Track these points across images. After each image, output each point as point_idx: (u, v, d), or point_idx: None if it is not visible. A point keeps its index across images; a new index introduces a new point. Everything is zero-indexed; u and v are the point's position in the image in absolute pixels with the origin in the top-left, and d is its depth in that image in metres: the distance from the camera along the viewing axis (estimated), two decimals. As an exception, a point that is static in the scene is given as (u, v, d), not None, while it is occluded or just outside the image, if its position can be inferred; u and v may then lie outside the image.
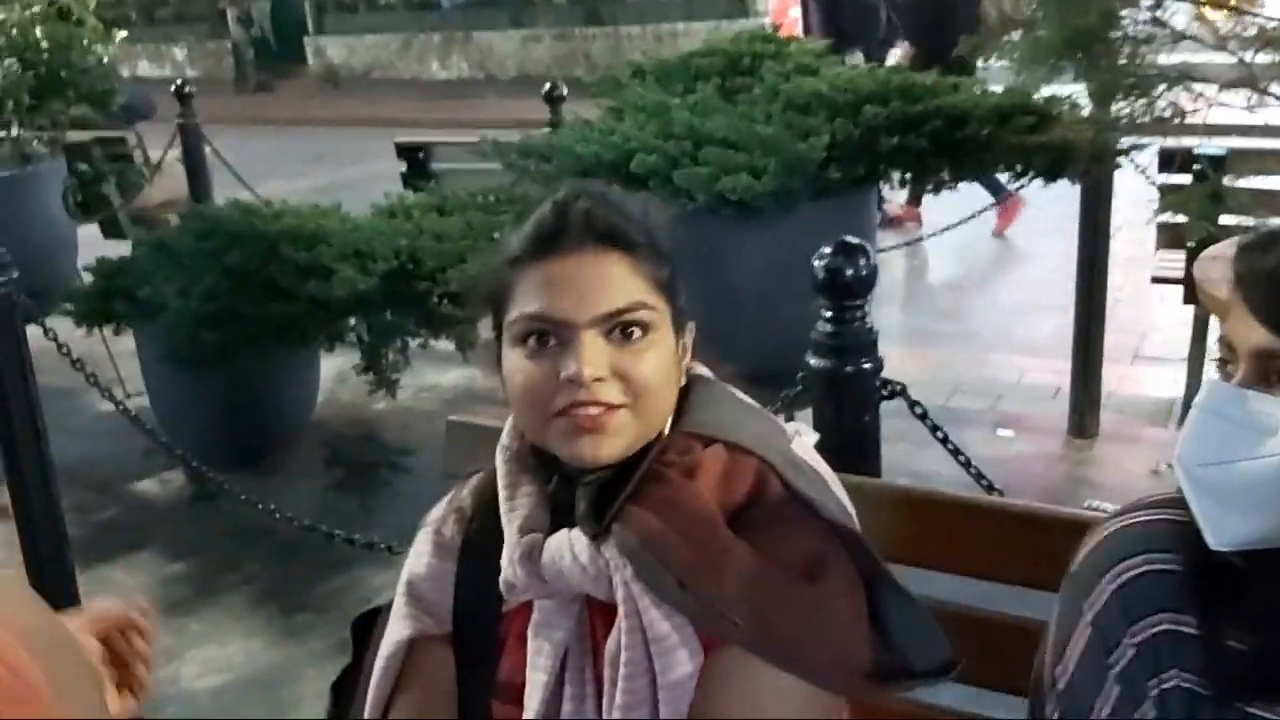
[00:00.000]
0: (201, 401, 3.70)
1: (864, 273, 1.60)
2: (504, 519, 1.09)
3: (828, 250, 1.60)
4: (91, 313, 3.65)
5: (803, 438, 1.14)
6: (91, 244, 5.02)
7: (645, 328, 1.04)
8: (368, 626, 1.22)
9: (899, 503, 1.36)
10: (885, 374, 1.68)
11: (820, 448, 1.57)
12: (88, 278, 3.84)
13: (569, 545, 1.04)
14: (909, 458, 2.36)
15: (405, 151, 4.67)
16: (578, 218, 1.05)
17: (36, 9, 4.59)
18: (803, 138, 2.99)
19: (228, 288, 3.46)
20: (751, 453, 1.07)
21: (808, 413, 1.71)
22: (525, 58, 13.51)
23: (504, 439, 1.16)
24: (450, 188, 3.89)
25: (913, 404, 1.72)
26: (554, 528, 1.06)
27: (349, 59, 14.15)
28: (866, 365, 1.64)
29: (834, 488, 1.11)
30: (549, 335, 1.04)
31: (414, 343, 3.61)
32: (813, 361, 1.65)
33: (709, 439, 1.08)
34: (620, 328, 1.04)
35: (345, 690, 1.24)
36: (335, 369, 4.27)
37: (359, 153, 10.18)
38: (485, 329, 1.13)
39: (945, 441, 1.77)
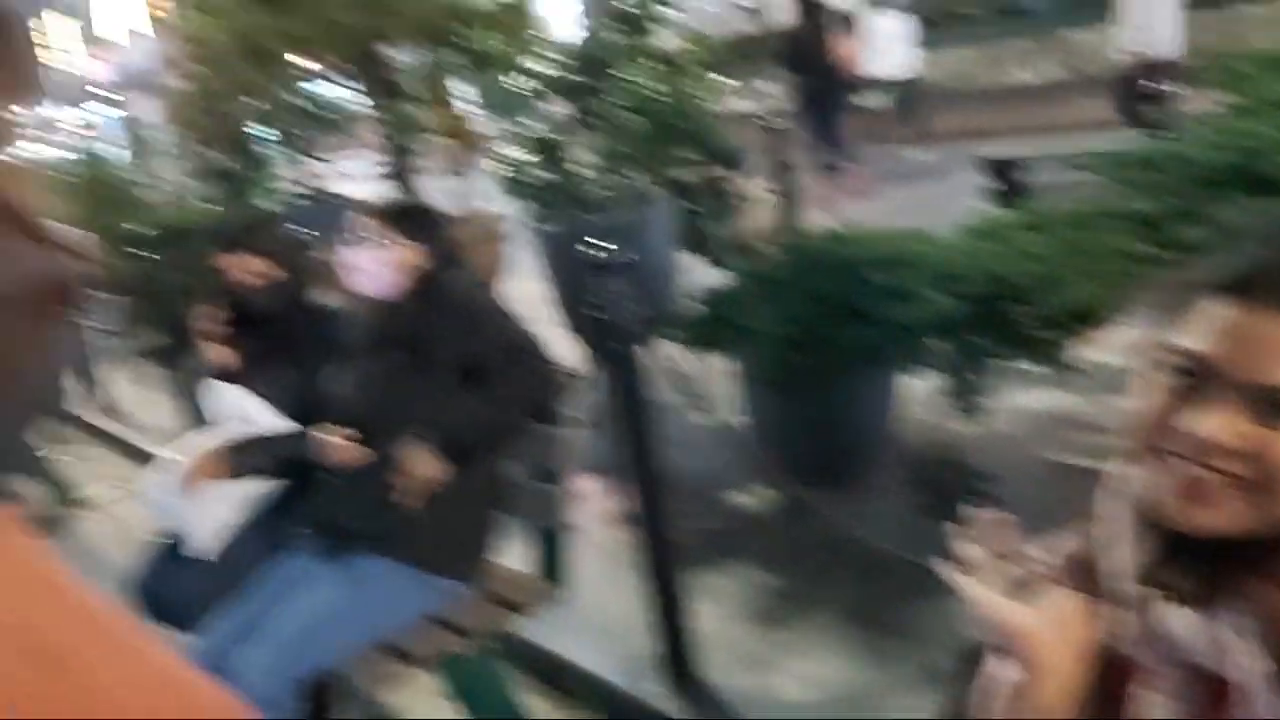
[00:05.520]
0: (792, 420, 3.87)
1: None
2: (1104, 571, 1.02)
3: None
4: (698, 338, 3.97)
5: None
6: (697, 273, 5.49)
7: None
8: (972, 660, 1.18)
9: None
10: None
11: None
12: (691, 304, 4.20)
13: (1177, 611, 0.95)
14: None
15: (991, 165, 4.54)
16: None
17: (654, 65, 5.14)
18: None
19: (816, 313, 3.59)
20: None
21: None
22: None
23: (1110, 482, 1.08)
24: (1042, 202, 3.72)
25: None
26: (1160, 584, 0.98)
27: (928, 73, 14.07)
28: None
29: None
30: (1192, 374, 0.93)
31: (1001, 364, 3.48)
32: None
33: None
34: (1275, 405, 0.90)
35: None
36: (918, 390, 4.26)
37: (936, 168, 10.15)
38: (1087, 351, 1.05)
39: None
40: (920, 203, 8.68)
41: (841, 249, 3.75)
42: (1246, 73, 3.19)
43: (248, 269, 3.03)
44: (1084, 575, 1.09)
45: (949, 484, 3.81)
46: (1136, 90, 7.03)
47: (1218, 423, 0.89)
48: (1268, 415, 0.90)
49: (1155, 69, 6.86)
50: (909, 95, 11.28)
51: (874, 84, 11.00)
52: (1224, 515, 0.91)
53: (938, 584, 2.60)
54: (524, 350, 2.62)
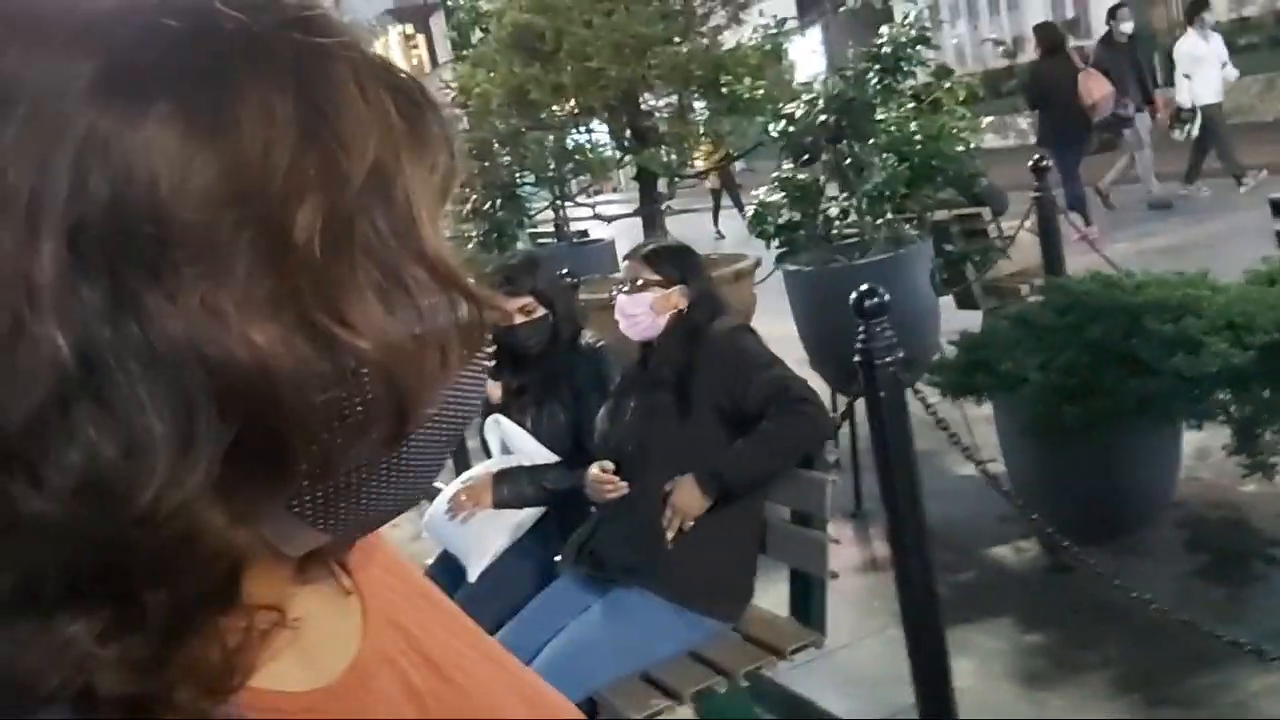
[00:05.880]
0: (1057, 473, 3.70)
1: None
2: None
3: None
4: (956, 384, 3.87)
5: None
6: (948, 315, 5.35)
7: None
8: None
9: None
10: None
11: None
12: (949, 349, 4.09)
13: None
14: None
15: (1276, 204, 4.22)
16: None
17: (911, 106, 5.08)
18: None
19: (1088, 361, 3.43)
20: None
21: None
22: None
23: None
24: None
25: None
26: None
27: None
28: None
29: None
30: None
31: (1296, 421, 3.23)
32: None
33: None
34: None
35: None
36: (1196, 445, 3.99)
37: (1213, 204, 9.53)
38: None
39: None
40: (1190, 242, 8.17)
41: (1115, 294, 3.58)
42: None
43: (512, 307, 3.17)
44: None
45: (1233, 547, 3.54)
46: None
47: None
48: None
49: None
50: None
51: (1182, 114, 10.18)
52: None
53: (1217, 652, 2.42)
54: (797, 396, 2.63)
